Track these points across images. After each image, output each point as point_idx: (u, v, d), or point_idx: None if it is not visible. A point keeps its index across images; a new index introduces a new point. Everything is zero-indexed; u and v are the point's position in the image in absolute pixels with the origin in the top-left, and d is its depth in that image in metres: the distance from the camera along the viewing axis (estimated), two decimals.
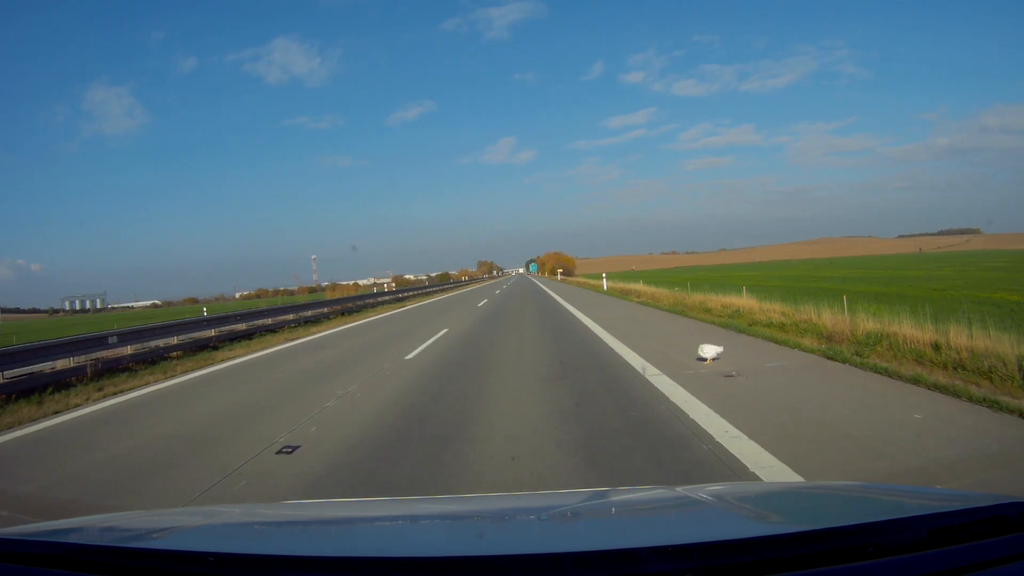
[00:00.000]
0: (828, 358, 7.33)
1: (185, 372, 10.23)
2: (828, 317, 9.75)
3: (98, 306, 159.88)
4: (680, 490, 1.84)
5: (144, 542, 1.48)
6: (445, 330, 14.45)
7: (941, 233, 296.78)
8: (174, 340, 13.48)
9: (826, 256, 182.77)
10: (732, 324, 11.58)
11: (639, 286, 28.14)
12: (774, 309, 12.38)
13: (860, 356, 7.21)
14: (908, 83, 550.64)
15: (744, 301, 14.47)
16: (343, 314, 25.02)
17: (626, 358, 8.34)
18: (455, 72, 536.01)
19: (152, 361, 11.74)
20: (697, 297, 18.08)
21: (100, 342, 11.37)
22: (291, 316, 20.72)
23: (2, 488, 4.66)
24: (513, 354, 9.83)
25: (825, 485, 2.68)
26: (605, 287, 33.82)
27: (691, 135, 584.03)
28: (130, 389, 8.77)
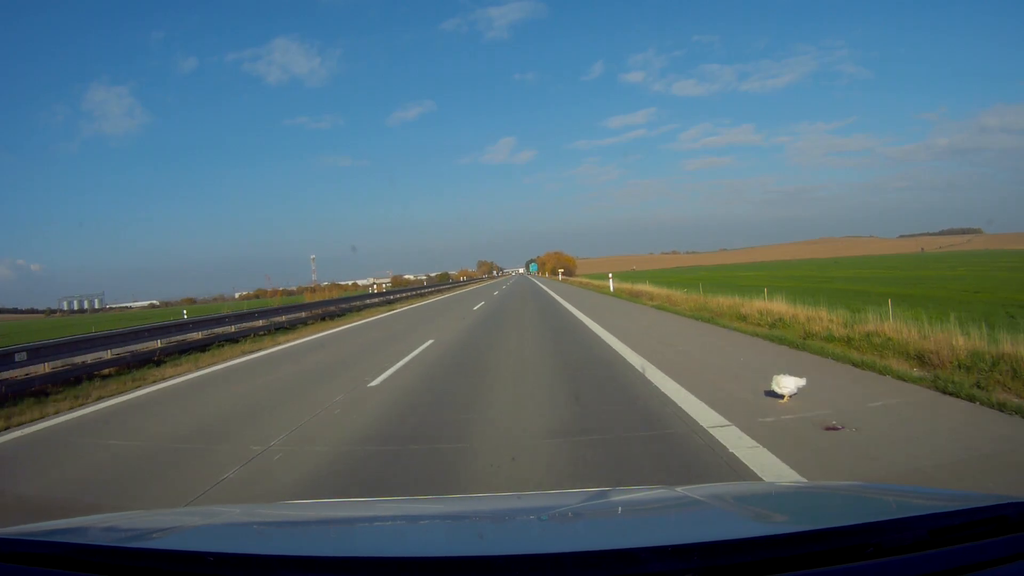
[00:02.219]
0: (944, 392, 5.47)
1: (101, 399, 8.43)
2: (895, 327, 8.11)
3: (96, 306, 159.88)
4: (680, 490, 1.84)
5: (144, 542, 1.48)
6: (430, 341, 12.37)
7: (942, 233, 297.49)
8: (107, 355, 11.55)
9: (828, 256, 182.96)
10: (783, 337, 9.56)
11: (648, 287, 26.48)
12: (821, 316, 10.41)
13: (983, 389, 5.36)
14: (908, 83, 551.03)
15: (782, 307, 12.42)
16: (324, 319, 22.47)
17: (667, 392, 6.24)
18: (455, 72, 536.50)
19: (76, 381, 10.03)
20: (721, 301, 15.79)
21: (5, 360, 9.51)
22: (260, 323, 18.11)
23: None
24: (510, 380, 7.77)
25: (825, 485, 2.68)
26: (612, 288, 31.79)
27: (691, 135, 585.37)
28: (18, 425, 7.03)
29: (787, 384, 5.46)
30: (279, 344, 14.80)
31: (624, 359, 8.68)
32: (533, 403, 6.28)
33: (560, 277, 78.70)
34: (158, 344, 13.13)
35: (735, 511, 1.61)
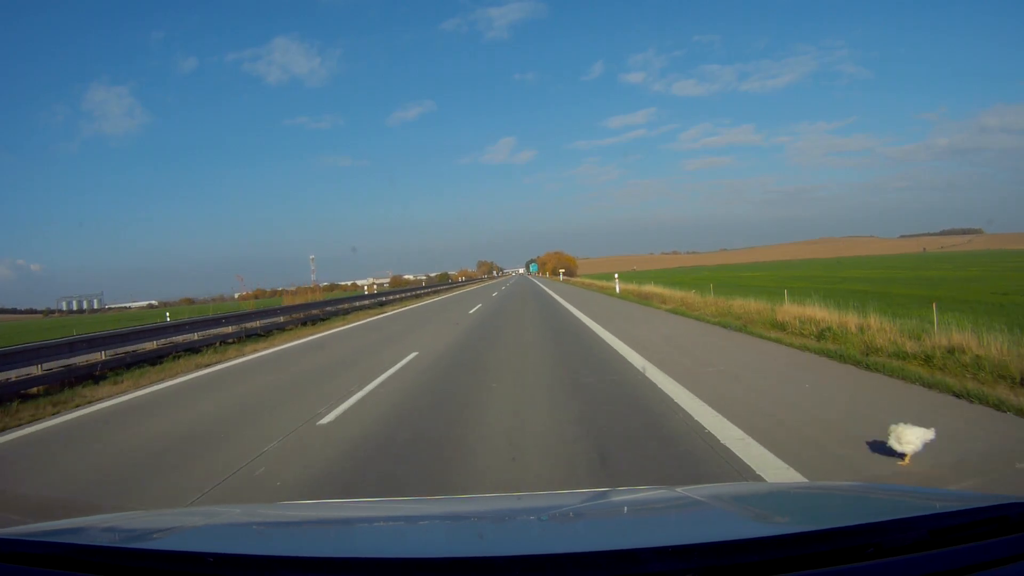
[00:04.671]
0: None
1: (4, 430, 6.99)
2: (977, 341, 6.77)
3: (95, 307, 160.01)
4: (680, 490, 1.84)
5: (144, 542, 1.48)
6: (414, 354, 10.64)
7: (943, 233, 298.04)
8: (36, 370, 9.94)
9: (829, 256, 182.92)
10: (842, 353, 7.84)
11: (657, 288, 25.00)
12: (870, 325, 8.93)
13: None
14: (908, 83, 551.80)
15: (822, 312, 10.69)
16: (305, 324, 20.33)
17: (731, 445, 4.45)
18: (455, 72, 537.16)
19: None
20: (747, 305, 14.07)
21: None
22: (229, 329, 16.34)
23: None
24: (508, 413, 5.95)
25: (826, 485, 2.68)
26: (617, 290, 29.88)
27: (691, 135, 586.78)
28: None
29: (911, 438, 3.80)
30: (244, 355, 13.10)
31: (653, 384, 6.88)
32: (538, 460, 4.45)
33: (561, 278, 78.04)
34: (101, 356, 11.51)
35: (735, 511, 1.61)
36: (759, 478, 3.97)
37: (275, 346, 14.80)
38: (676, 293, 22.06)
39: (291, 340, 16.03)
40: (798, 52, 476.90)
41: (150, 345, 13.30)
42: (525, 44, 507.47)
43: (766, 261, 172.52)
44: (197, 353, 13.62)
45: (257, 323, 18.07)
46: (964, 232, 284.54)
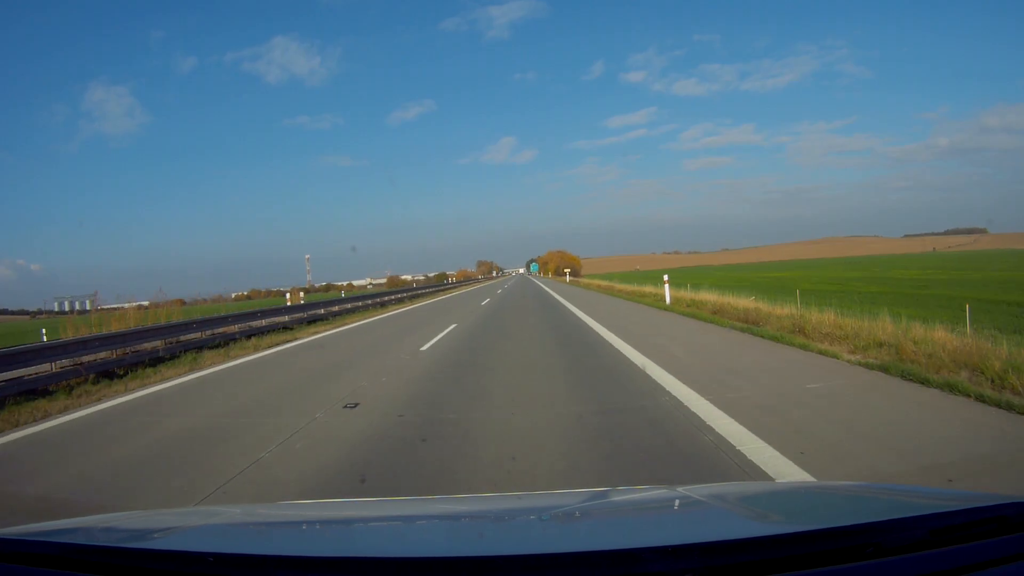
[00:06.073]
0: None
1: None
2: None
3: (87, 307, 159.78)
4: (681, 490, 1.83)
5: (144, 542, 1.48)
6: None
7: (947, 233, 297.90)
8: None
9: (834, 256, 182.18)
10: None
11: (714, 296, 16.99)
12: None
13: None
14: (909, 83, 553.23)
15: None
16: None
17: None
18: (455, 72, 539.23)
19: None
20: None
21: None
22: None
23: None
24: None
25: (826, 485, 2.67)
26: (668, 300, 19.30)
27: (692, 135, 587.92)
28: None
29: None
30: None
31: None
32: None
33: (568, 278, 70.34)
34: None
35: (736, 511, 1.60)
36: None
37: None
38: (748, 303, 14.47)
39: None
40: (799, 52, 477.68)
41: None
42: (525, 44, 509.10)
43: (771, 261, 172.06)
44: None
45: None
46: (969, 232, 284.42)
